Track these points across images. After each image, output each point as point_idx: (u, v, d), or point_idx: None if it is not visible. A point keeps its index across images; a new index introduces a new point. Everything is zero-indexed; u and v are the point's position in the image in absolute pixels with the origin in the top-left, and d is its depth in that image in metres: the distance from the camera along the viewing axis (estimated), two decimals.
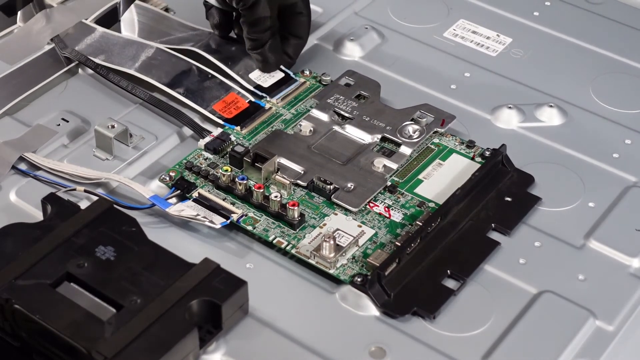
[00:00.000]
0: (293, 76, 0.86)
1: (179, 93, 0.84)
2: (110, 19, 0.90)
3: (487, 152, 0.80)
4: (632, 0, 0.96)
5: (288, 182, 0.76)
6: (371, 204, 0.76)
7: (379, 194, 0.77)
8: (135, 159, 0.80)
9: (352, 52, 0.90)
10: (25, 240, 0.68)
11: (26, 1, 0.93)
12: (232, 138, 0.80)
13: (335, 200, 0.76)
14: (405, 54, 0.90)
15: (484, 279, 0.72)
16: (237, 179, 0.76)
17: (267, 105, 0.84)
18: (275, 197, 0.74)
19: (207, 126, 0.82)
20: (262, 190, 0.75)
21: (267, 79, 0.85)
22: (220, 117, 0.82)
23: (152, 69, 0.85)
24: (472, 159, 0.80)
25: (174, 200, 0.76)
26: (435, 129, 0.81)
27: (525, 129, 0.84)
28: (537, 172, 0.79)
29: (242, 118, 0.82)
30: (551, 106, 0.85)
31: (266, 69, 0.86)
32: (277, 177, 0.77)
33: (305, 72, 0.87)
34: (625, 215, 0.77)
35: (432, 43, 0.92)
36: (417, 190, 0.78)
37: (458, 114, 0.83)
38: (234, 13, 0.87)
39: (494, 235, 0.75)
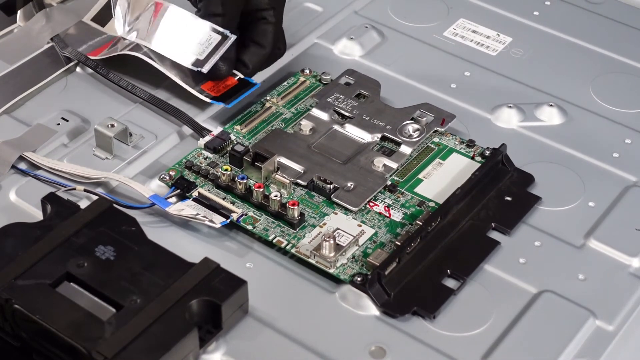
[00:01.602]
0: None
1: (169, 71, 0.83)
2: (108, 15, 0.90)
3: (487, 152, 0.80)
4: (632, 0, 0.96)
5: (288, 181, 0.76)
6: (371, 204, 0.76)
7: (379, 194, 0.77)
8: (135, 158, 0.80)
9: (352, 51, 0.90)
10: (25, 240, 0.68)
11: (26, 0, 0.93)
12: (232, 137, 0.80)
13: (335, 199, 0.76)
14: (405, 53, 0.90)
15: (484, 278, 0.72)
16: (237, 178, 0.76)
17: (267, 104, 0.84)
18: (275, 196, 0.74)
19: (207, 125, 0.82)
20: (262, 190, 0.75)
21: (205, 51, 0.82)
22: (208, 96, 0.82)
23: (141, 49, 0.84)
24: (472, 158, 0.80)
25: (173, 199, 0.76)
26: (435, 128, 0.81)
27: (525, 129, 0.84)
28: (537, 172, 0.79)
29: (230, 94, 0.82)
30: (551, 105, 0.85)
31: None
32: (277, 176, 0.76)
33: (305, 71, 0.87)
34: (625, 214, 0.77)
35: (432, 42, 0.92)
36: (417, 189, 0.78)
37: (458, 113, 0.83)
38: None
39: (494, 235, 0.75)
